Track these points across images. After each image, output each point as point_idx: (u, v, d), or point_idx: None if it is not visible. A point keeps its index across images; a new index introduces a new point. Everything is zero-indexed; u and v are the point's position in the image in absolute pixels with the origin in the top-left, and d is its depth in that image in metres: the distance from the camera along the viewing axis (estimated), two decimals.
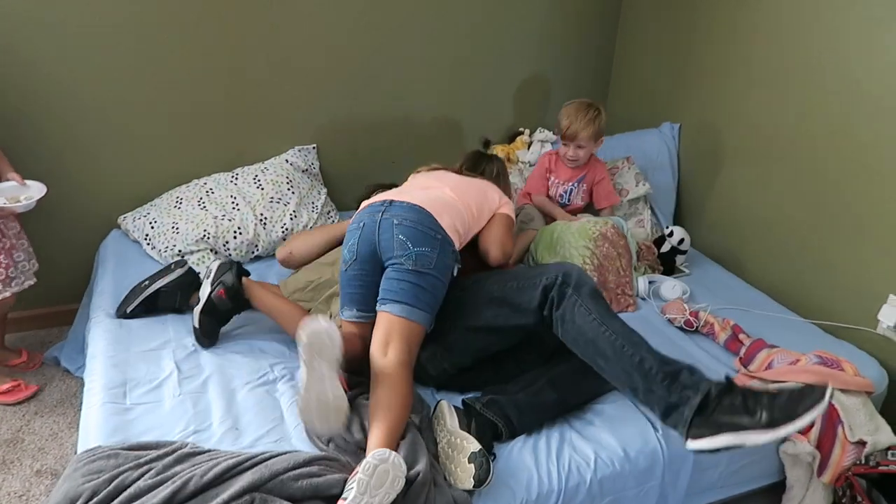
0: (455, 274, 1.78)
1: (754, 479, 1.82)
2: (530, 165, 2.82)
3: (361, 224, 1.76)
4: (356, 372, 1.69)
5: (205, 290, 1.83)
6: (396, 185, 2.06)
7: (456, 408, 1.59)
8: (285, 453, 1.45)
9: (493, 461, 1.54)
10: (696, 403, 1.42)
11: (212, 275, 1.86)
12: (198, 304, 1.83)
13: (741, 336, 2.04)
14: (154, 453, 1.45)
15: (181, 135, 2.45)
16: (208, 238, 2.26)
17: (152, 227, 2.30)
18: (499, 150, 2.93)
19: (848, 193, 2.12)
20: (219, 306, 1.83)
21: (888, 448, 1.71)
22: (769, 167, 2.39)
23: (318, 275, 2.00)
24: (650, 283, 2.34)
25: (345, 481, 1.36)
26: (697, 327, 2.10)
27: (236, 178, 2.44)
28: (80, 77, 2.27)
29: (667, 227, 2.53)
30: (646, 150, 2.78)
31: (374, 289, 1.71)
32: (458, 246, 1.79)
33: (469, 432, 1.53)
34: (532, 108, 2.99)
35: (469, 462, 1.44)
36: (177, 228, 2.28)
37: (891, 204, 2.00)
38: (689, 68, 2.67)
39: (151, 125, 2.41)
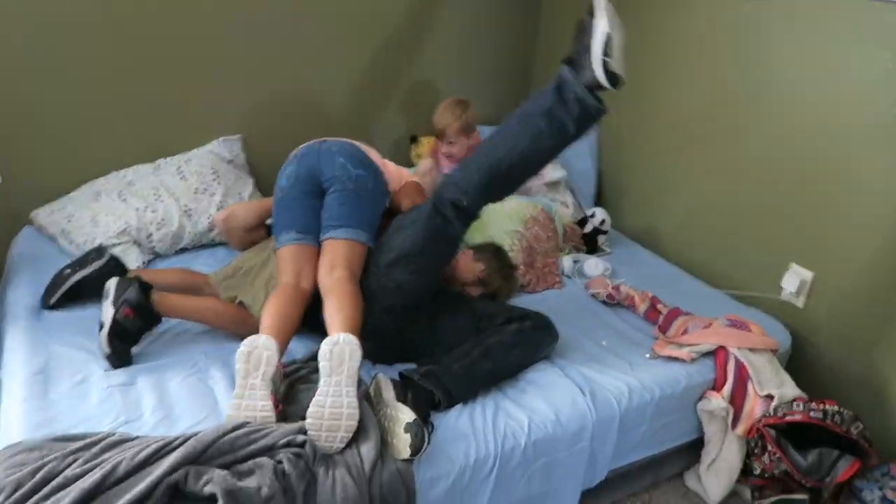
0: (387, 205, 1.93)
1: (675, 437, 1.94)
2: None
3: (300, 155, 1.92)
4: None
5: (108, 312, 1.67)
6: None
7: (393, 380, 1.62)
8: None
9: (431, 431, 1.58)
10: (565, 66, 1.65)
11: (111, 294, 1.70)
12: (102, 328, 1.67)
13: (659, 306, 2.16)
14: (80, 443, 1.41)
15: (98, 126, 2.36)
16: (130, 230, 2.19)
17: (69, 222, 2.22)
18: (425, 143, 2.97)
19: (750, 173, 2.28)
20: (128, 327, 1.69)
21: (793, 400, 1.86)
22: (679, 151, 2.53)
23: (246, 262, 1.99)
24: (574, 262, 2.44)
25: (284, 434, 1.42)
26: (619, 300, 2.21)
27: (158, 170, 2.38)
28: None
29: (589, 210, 2.64)
30: None
31: (312, 211, 1.83)
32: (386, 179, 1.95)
33: (406, 403, 1.55)
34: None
35: (405, 432, 1.47)
36: (96, 222, 2.20)
37: (789, 182, 2.17)
38: None
39: (65, 115, 2.31)
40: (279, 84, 2.62)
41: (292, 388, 1.66)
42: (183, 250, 2.32)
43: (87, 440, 1.43)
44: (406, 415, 1.50)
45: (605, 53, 1.57)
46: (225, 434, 1.41)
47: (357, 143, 1.97)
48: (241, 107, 2.58)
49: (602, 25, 1.58)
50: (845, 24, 1.96)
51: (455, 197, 1.72)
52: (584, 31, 1.61)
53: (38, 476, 1.31)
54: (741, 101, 2.28)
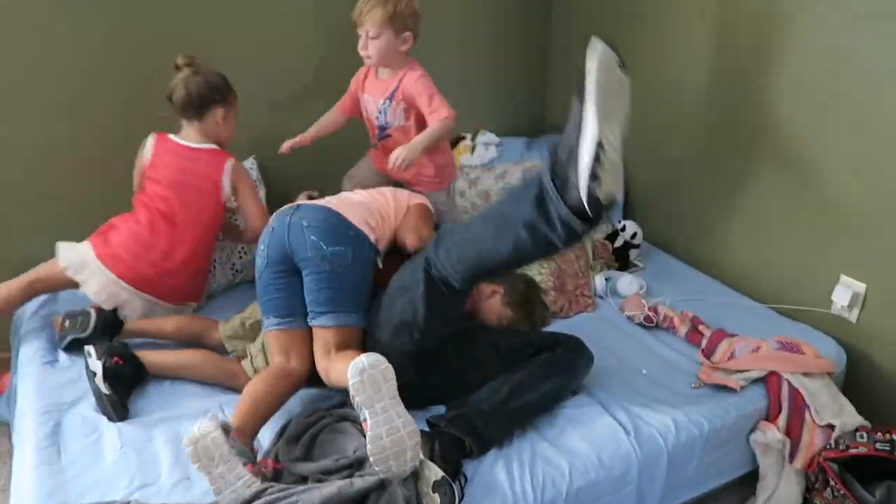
0: (380, 266, 1.77)
1: (728, 470, 1.80)
2: (479, 167, 2.77)
3: (271, 228, 1.75)
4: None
5: (96, 366, 1.67)
6: None
7: (421, 431, 1.51)
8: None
9: (463, 483, 1.48)
10: (548, 170, 1.40)
11: (93, 353, 1.70)
12: (94, 377, 1.66)
13: (701, 327, 2.02)
14: None
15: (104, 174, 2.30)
16: None
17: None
18: None
19: (794, 177, 2.13)
20: (120, 372, 1.69)
21: (855, 430, 1.72)
22: (713, 156, 2.39)
23: (251, 315, 1.91)
24: (606, 280, 2.31)
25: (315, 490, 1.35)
26: (657, 322, 2.08)
27: None
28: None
29: (619, 222, 2.52)
30: None
31: (290, 291, 1.69)
32: (374, 239, 1.76)
33: (432, 457, 1.46)
34: (470, 112, 2.91)
35: (433, 492, 1.38)
36: None
37: (839, 185, 2.02)
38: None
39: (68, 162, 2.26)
40: (299, 107, 2.54)
41: (314, 440, 1.56)
42: (210, 297, 2.22)
43: None
44: (433, 473, 1.40)
45: (593, 175, 1.28)
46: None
47: (332, 207, 1.74)
48: (252, 130, 2.51)
49: (591, 125, 1.28)
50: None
51: (443, 277, 1.59)
52: (574, 119, 1.32)
53: None
54: (774, 100, 2.13)
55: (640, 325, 2.10)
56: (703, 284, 2.35)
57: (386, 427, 1.33)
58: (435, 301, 1.61)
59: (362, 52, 1.97)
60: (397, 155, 1.88)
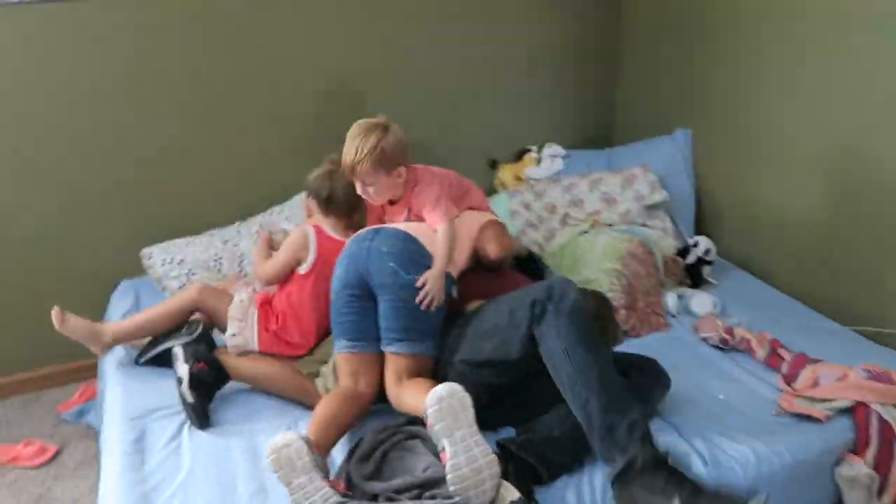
0: (454, 295, 1.75)
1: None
2: (545, 180, 2.74)
3: (349, 252, 1.74)
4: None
5: (182, 370, 1.72)
6: None
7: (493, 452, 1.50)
8: None
9: None
10: (619, 468, 1.48)
11: (180, 356, 1.75)
12: (181, 383, 1.71)
13: (780, 351, 1.94)
14: None
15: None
16: None
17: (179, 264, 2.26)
18: (507, 170, 2.86)
19: (882, 190, 2.03)
20: (204, 378, 1.73)
21: None
22: (792, 168, 2.30)
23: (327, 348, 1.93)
24: (679, 297, 2.25)
25: None
26: (733, 345, 2.01)
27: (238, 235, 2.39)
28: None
29: (691, 238, 2.45)
30: (660, 158, 2.69)
31: (363, 315, 1.69)
32: (449, 269, 1.75)
33: (506, 478, 1.44)
34: (537, 124, 2.92)
35: None
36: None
37: None
38: (696, 72, 2.60)
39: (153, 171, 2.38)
40: None
41: (385, 458, 1.57)
42: None
43: None
44: (510, 493, 1.39)
45: None
46: None
47: (412, 232, 1.72)
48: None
49: None
50: None
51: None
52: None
53: None
54: (856, 111, 2.04)
55: (716, 347, 2.03)
56: (783, 304, 2.26)
57: (465, 456, 1.35)
58: (532, 350, 1.60)
59: (361, 192, 1.85)
60: (426, 302, 1.68)
